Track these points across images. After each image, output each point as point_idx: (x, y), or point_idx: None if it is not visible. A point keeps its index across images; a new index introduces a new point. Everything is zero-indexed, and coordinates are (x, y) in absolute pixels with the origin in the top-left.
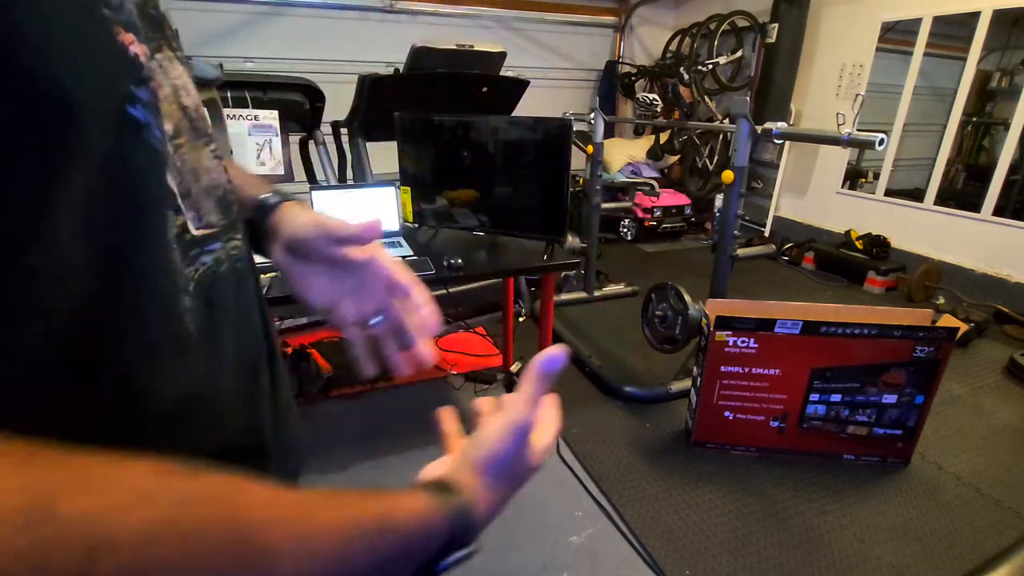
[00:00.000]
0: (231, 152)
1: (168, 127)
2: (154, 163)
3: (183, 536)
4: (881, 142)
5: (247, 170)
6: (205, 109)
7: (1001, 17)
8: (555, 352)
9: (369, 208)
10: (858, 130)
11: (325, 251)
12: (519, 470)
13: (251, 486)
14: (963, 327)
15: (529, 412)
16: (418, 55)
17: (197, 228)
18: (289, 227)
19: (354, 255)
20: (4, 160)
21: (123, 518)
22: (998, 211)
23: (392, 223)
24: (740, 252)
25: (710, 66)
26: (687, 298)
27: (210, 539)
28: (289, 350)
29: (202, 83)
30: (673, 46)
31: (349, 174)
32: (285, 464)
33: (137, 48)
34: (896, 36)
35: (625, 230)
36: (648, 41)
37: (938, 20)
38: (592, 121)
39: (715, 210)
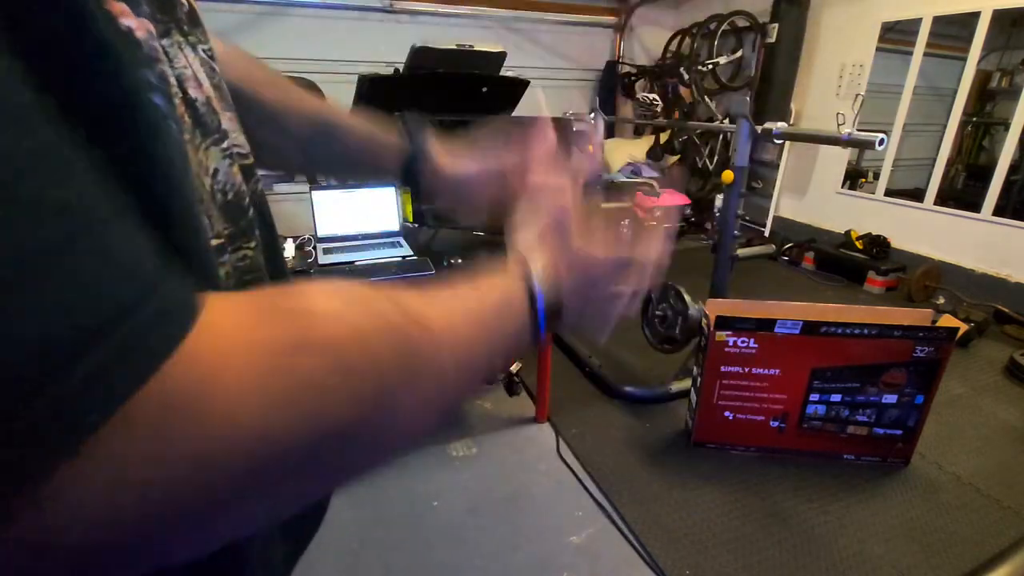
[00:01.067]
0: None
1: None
2: (180, 152)
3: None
4: (881, 142)
5: (371, 126)
6: (218, 100)
7: (1001, 17)
8: None
9: (369, 208)
10: (858, 130)
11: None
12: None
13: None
14: (963, 327)
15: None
16: (418, 55)
17: (209, 237)
18: (449, 178)
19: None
20: None
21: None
22: (998, 211)
23: (392, 223)
24: (740, 252)
25: (710, 66)
26: (687, 298)
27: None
28: None
29: None
30: (673, 46)
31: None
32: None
33: (132, 21)
34: (896, 36)
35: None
36: (648, 41)
37: (938, 20)
38: (592, 121)
39: (715, 210)
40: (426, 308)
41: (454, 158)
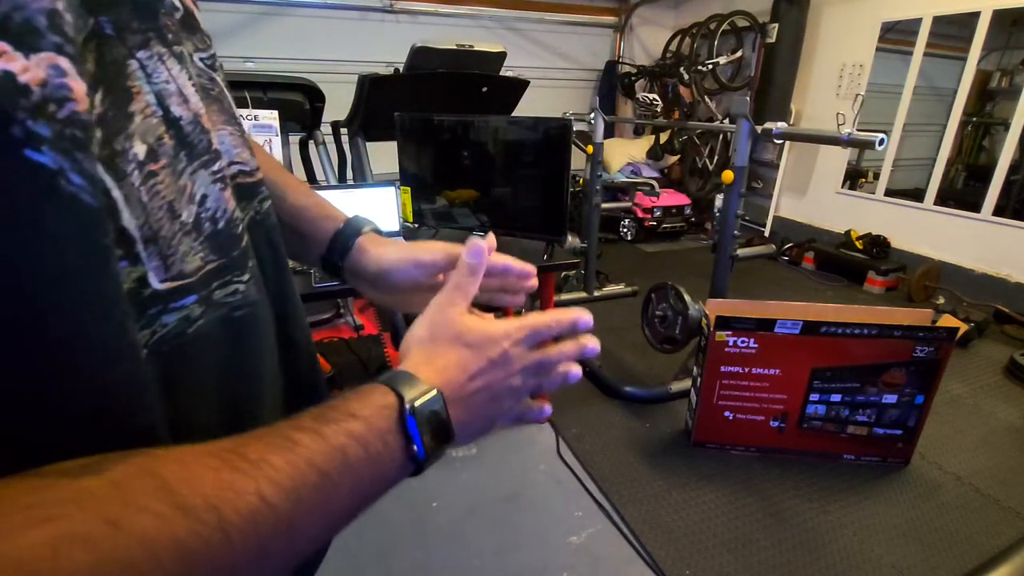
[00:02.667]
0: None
1: (139, 149)
2: (81, 223)
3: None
4: (881, 142)
5: (314, 196)
6: (213, 115)
7: (1001, 17)
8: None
9: (369, 208)
10: (858, 130)
11: (423, 281)
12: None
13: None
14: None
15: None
16: (418, 55)
17: (162, 281)
18: (371, 262)
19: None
20: None
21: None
22: (998, 211)
23: (392, 223)
24: (740, 252)
25: (710, 66)
26: (687, 298)
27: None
28: None
29: None
30: (673, 46)
31: (349, 174)
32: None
33: (14, 64)
34: (896, 36)
35: (625, 230)
36: (648, 41)
37: (938, 20)
38: (592, 121)
39: (715, 210)
40: (224, 492)
41: (383, 245)
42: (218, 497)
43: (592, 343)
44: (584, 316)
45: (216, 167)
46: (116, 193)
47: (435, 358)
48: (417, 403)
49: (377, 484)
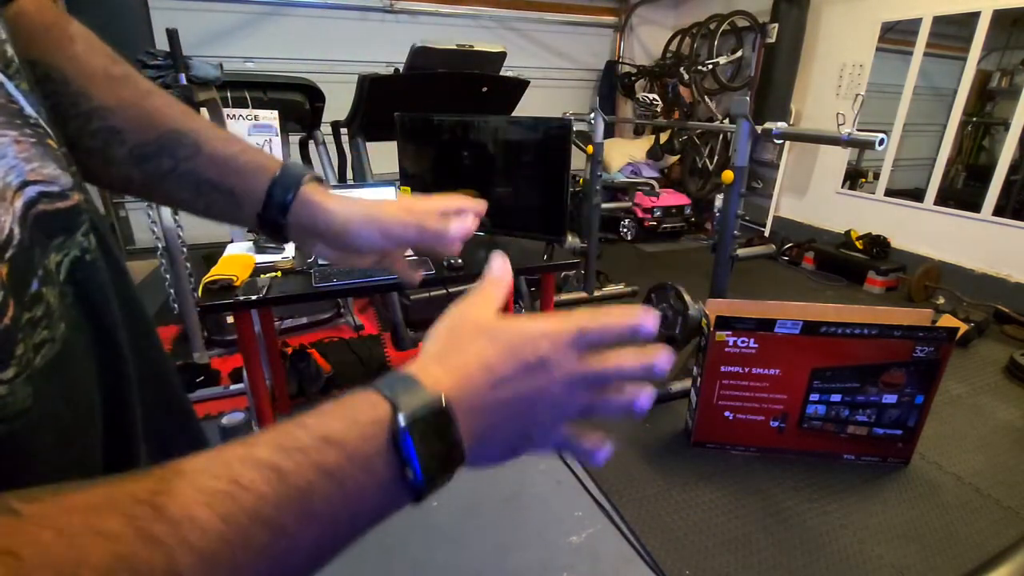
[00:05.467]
0: None
1: None
2: None
3: None
4: (881, 142)
5: (238, 143)
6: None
7: (1001, 17)
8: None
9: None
10: (858, 130)
11: (389, 248)
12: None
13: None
14: (963, 327)
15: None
16: (418, 55)
17: None
18: (329, 220)
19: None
20: None
21: None
22: (998, 211)
23: None
24: (740, 252)
25: (710, 66)
26: (687, 298)
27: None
28: (289, 350)
29: (202, 83)
30: (673, 46)
31: (349, 174)
32: None
33: None
34: (896, 36)
35: (625, 230)
36: (648, 41)
37: (938, 20)
38: (592, 121)
39: (715, 210)
40: (190, 509)
41: (338, 200)
42: None
43: (663, 357)
44: (647, 319)
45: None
46: None
47: (450, 354)
48: (417, 415)
49: (359, 524)
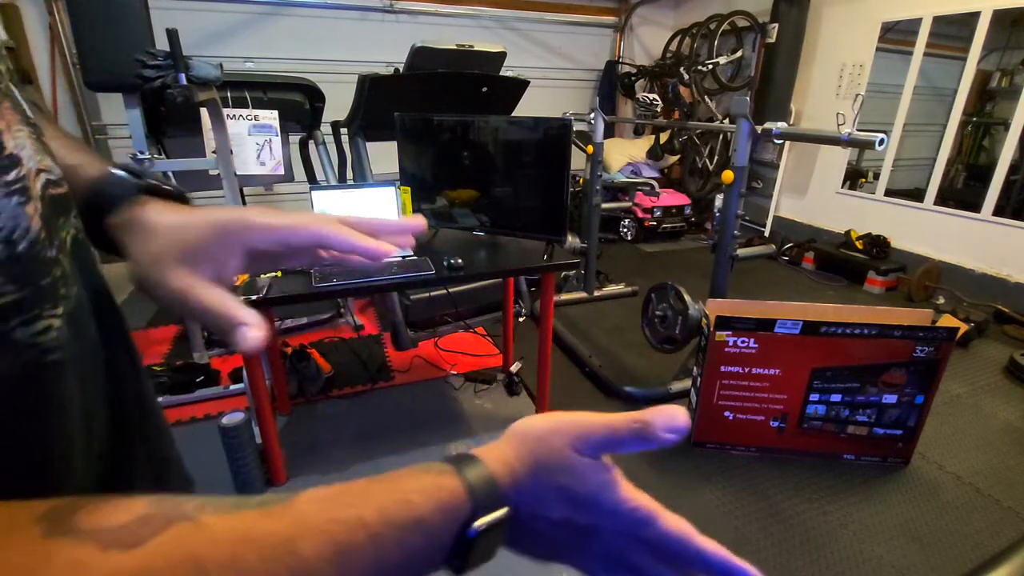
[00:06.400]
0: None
1: None
2: None
3: None
4: (881, 142)
5: (68, 138)
6: (2, 115)
7: (1001, 17)
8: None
9: (369, 208)
10: (858, 130)
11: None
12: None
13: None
14: (963, 327)
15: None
16: (418, 55)
17: None
18: (175, 237)
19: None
20: None
21: None
22: (998, 211)
23: None
24: (740, 252)
25: (710, 66)
26: (687, 298)
27: None
28: (289, 350)
29: (202, 83)
30: (673, 46)
31: (349, 174)
32: None
33: None
34: (896, 36)
35: (625, 230)
36: (648, 41)
37: (938, 20)
38: (592, 121)
39: (715, 210)
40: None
41: (173, 207)
42: None
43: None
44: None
45: (11, 176)
46: None
47: (521, 468)
48: (487, 522)
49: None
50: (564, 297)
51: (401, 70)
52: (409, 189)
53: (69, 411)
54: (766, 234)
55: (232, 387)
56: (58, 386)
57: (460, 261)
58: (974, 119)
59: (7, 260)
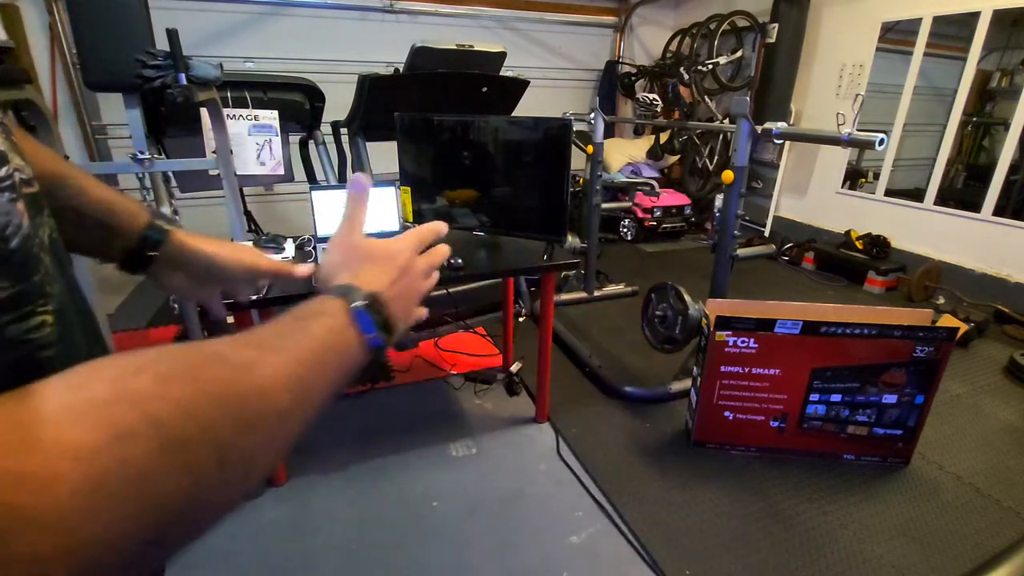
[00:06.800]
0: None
1: None
2: None
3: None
4: (881, 142)
5: (113, 191)
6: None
7: (1001, 17)
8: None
9: (369, 208)
10: (858, 130)
11: (247, 284)
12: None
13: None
14: (963, 327)
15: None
16: (418, 55)
17: None
18: (203, 260)
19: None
20: None
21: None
22: (998, 211)
23: (392, 223)
24: (740, 252)
25: (710, 66)
26: (687, 298)
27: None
28: None
29: (202, 83)
30: (673, 46)
31: (349, 174)
32: None
33: None
34: (896, 36)
35: (625, 230)
36: (648, 41)
37: (938, 20)
38: (592, 121)
39: (715, 210)
40: (254, 355)
41: (208, 242)
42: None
43: (446, 249)
44: (442, 226)
45: (2, 172)
46: None
47: (360, 274)
48: (365, 301)
49: (349, 364)
50: (564, 297)
51: (401, 70)
52: (409, 189)
53: None
54: (766, 234)
55: None
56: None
57: (460, 261)
58: (974, 119)
59: (8, 255)
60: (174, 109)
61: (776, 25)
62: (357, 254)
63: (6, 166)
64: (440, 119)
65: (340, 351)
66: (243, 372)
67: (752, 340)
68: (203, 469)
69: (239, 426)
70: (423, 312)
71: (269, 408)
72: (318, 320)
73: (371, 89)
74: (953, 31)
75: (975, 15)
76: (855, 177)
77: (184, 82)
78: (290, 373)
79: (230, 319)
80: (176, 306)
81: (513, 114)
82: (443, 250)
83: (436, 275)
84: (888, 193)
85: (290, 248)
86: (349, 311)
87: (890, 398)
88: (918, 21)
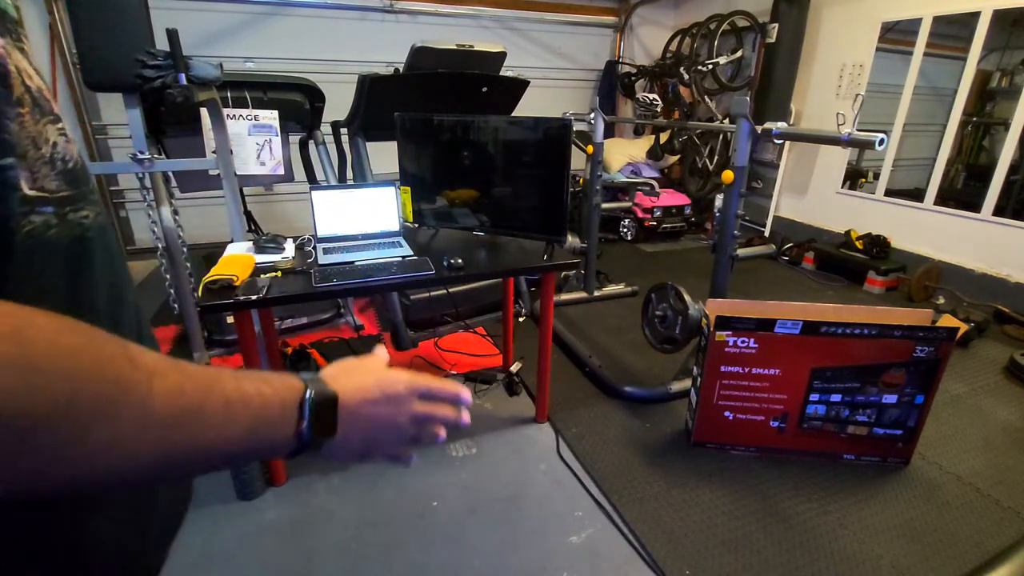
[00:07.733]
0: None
1: (14, 96)
2: None
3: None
4: (881, 142)
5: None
6: (49, 94)
7: (1001, 17)
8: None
9: (369, 208)
10: (858, 130)
11: None
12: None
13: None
14: (963, 327)
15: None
16: (418, 55)
17: (30, 188)
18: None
19: None
20: None
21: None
22: (998, 211)
23: (392, 223)
24: (740, 252)
25: (710, 66)
26: (687, 298)
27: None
28: (289, 350)
29: (202, 83)
30: (673, 46)
31: (349, 174)
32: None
33: None
34: (896, 36)
35: (625, 230)
36: (648, 41)
37: (938, 20)
38: (592, 121)
39: (715, 210)
40: (161, 363)
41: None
42: (157, 368)
43: (466, 418)
44: (466, 393)
45: (60, 126)
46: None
47: (344, 378)
48: (319, 396)
49: (264, 438)
50: (564, 297)
51: (401, 70)
52: (409, 189)
53: (96, 274)
54: (766, 234)
55: None
56: (90, 256)
57: (460, 261)
58: (974, 119)
59: (63, 171)
60: (174, 109)
61: (776, 25)
62: (362, 366)
63: (61, 123)
64: (440, 119)
65: (267, 420)
66: (129, 361)
67: (752, 340)
68: (42, 398)
69: (94, 390)
70: (407, 456)
71: (134, 399)
72: (269, 383)
73: (371, 89)
74: (953, 31)
75: (975, 15)
76: (855, 177)
77: (184, 82)
78: (182, 389)
79: (230, 319)
80: (176, 306)
81: (513, 114)
82: (449, 412)
83: (434, 432)
84: (888, 193)
85: (290, 248)
86: (300, 393)
87: (890, 398)
88: (918, 21)
